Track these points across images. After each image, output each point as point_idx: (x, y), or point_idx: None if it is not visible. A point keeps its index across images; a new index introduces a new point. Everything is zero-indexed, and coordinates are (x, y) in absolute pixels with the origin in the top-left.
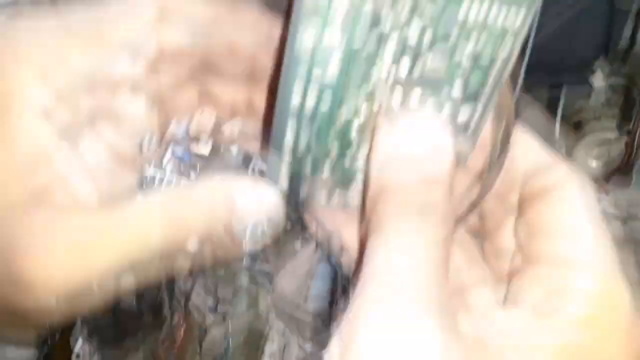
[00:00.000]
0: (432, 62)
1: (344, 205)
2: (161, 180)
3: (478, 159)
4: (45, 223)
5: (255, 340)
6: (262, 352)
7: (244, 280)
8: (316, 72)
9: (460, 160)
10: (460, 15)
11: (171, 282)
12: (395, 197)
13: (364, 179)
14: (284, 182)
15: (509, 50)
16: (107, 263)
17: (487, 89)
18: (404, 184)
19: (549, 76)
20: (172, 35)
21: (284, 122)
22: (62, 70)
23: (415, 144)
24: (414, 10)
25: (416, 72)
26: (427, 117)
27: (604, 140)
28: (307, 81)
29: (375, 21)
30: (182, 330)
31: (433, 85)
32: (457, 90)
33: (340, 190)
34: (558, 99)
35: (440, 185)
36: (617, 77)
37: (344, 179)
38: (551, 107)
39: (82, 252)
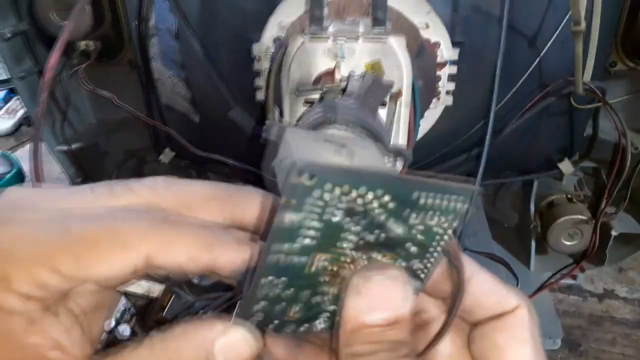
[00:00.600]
0: (395, 232)
1: (306, 333)
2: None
3: (442, 290)
4: None
5: None
6: None
7: None
8: (292, 246)
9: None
10: (414, 199)
11: None
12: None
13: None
14: (257, 318)
15: (452, 220)
16: None
17: (436, 247)
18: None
19: (519, 168)
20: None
21: (261, 273)
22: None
23: (378, 311)
24: (382, 203)
25: (380, 238)
26: (387, 286)
27: (577, 221)
28: (288, 247)
29: (349, 209)
30: None
31: (390, 244)
32: (411, 247)
33: (305, 325)
34: (531, 185)
35: (403, 345)
36: (586, 161)
37: (310, 318)
38: (526, 192)
39: None
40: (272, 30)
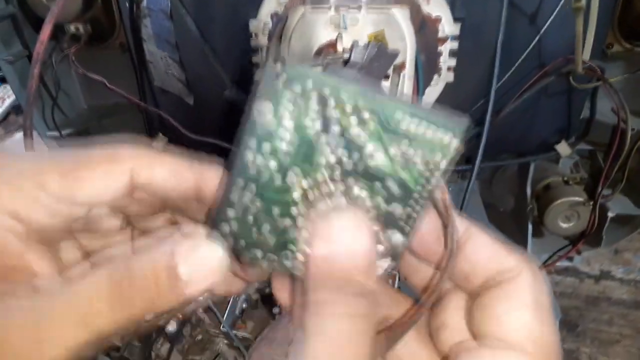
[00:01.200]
0: (372, 157)
1: (277, 267)
2: None
3: (436, 253)
4: (4, 309)
5: None
6: None
7: (222, 345)
8: (266, 145)
9: (395, 254)
10: (397, 120)
11: (148, 347)
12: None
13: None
14: (225, 231)
15: (439, 160)
16: (59, 347)
17: (419, 191)
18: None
19: (516, 151)
20: (146, 174)
21: (233, 175)
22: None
23: (340, 249)
24: (356, 110)
25: (353, 159)
26: (350, 222)
27: (573, 203)
28: (257, 151)
29: (322, 111)
30: None
31: (369, 175)
32: (391, 185)
33: (275, 254)
34: (528, 168)
35: (365, 297)
36: (582, 143)
37: (279, 246)
38: (522, 175)
39: (35, 336)
40: (270, 4)
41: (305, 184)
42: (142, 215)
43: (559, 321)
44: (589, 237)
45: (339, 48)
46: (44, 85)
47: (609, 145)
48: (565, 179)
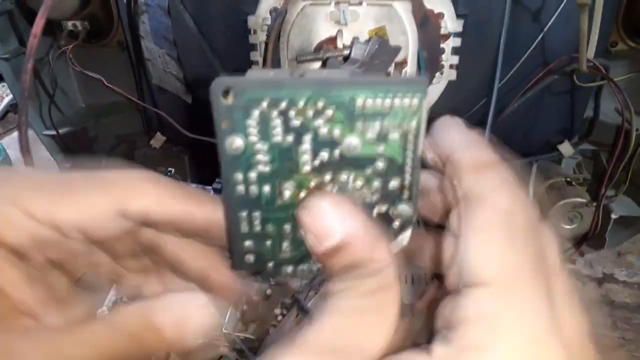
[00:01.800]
0: (349, 146)
1: (309, 274)
2: None
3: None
4: (7, 344)
5: None
6: None
7: (223, 348)
8: (251, 174)
9: (404, 225)
10: (360, 105)
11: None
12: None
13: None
14: (250, 261)
15: (414, 125)
16: None
17: (408, 160)
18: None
19: (519, 150)
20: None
21: (235, 211)
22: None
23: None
24: (319, 113)
25: (336, 156)
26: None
27: (576, 204)
28: (246, 182)
29: (287, 124)
30: None
31: (357, 164)
32: (380, 165)
33: (304, 263)
34: (530, 169)
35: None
36: (586, 143)
37: (304, 255)
38: (524, 176)
39: None
40: (269, 0)
41: (302, 193)
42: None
43: None
44: (592, 239)
45: (339, 44)
46: (41, 84)
47: (613, 146)
48: (568, 179)
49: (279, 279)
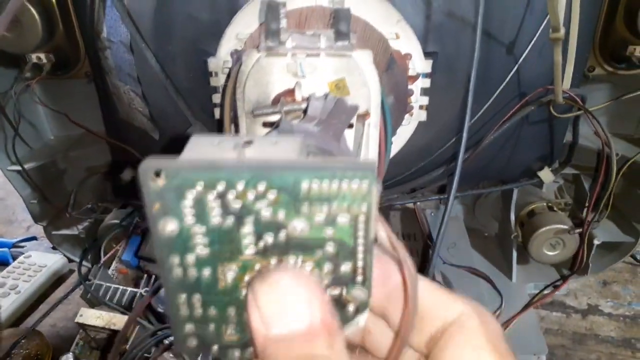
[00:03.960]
0: (295, 229)
1: None
2: None
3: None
4: None
5: None
6: None
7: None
8: (189, 257)
9: (359, 308)
10: (305, 189)
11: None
12: None
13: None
14: (192, 345)
15: (365, 210)
16: None
17: (360, 243)
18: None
19: (499, 177)
20: None
21: (173, 294)
22: None
23: (280, 322)
24: (261, 196)
25: (282, 239)
26: (287, 289)
27: (558, 230)
28: (182, 265)
29: (225, 206)
30: None
31: (305, 248)
32: (330, 249)
33: (252, 347)
34: (511, 193)
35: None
36: (567, 167)
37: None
38: (506, 200)
39: None
40: (230, 42)
41: (247, 277)
42: None
43: (545, 356)
44: (575, 266)
45: (298, 97)
46: (5, 117)
47: (596, 171)
48: (550, 204)
49: None
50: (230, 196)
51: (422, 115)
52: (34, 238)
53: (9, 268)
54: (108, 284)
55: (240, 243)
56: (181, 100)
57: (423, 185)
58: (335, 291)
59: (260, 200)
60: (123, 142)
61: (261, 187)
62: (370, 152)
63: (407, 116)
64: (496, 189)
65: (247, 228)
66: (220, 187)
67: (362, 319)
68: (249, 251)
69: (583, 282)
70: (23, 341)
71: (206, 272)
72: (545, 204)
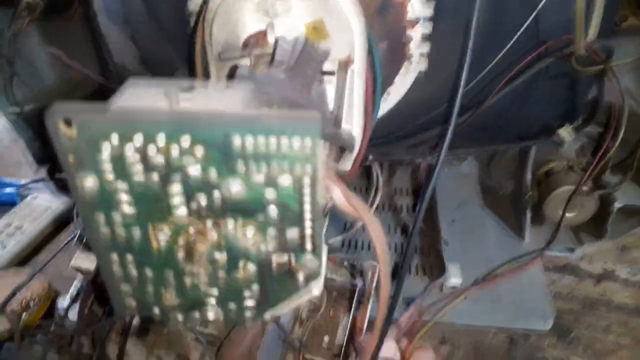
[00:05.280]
0: (231, 191)
1: (203, 323)
2: None
3: None
4: None
5: None
6: None
7: (189, 340)
8: (116, 216)
9: (310, 277)
10: (237, 145)
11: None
12: None
13: None
14: (131, 305)
15: (310, 171)
16: None
17: (306, 208)
18: None
19: (516, 134)
20: None
21: (104, 253)
22: None
23: None
24: (187, 151)
25: (217, 200)
26: None
27: (577, 191)
28: (107, 216)
29: (147, 162)
30: None
31: (244, 211)
32: (273, 212)
33: (195, 311)
34: (528, 151)
35: None
36: (591, 125)
37: (194, 303)
38: (522, 159)
39: None
40: None
41: (178, 239)
42: None
43: (551, 324)
44: (593, 228)
45: (270, 40)
46: (5, 58)
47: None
48: (570, 164)
49: (172, 327)
50: (151, 151)
51: (423, 64)
52: (42, 180)
53: (15, 209)
54: None
55: (169, 203)
56: (167, 43)
57: (425, 143)
58: (283, 258)
59: (186, 156)
60: (119, 86)
61: (185, 141)
62: (355, 103)
63: (405, 64)
64: (513, 146)
65: (175, 187)
66: (138, 140)
67: (317, 288)
68: (180, 212)
69: (600, 246)
70: (27, 284)
71: (136, 231)
72: (565, 163)
